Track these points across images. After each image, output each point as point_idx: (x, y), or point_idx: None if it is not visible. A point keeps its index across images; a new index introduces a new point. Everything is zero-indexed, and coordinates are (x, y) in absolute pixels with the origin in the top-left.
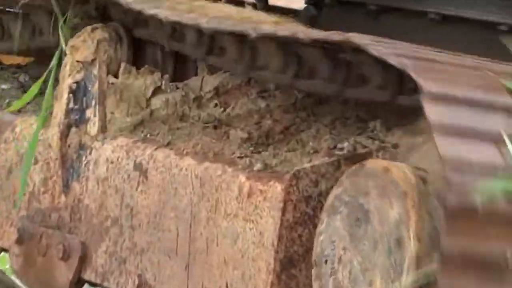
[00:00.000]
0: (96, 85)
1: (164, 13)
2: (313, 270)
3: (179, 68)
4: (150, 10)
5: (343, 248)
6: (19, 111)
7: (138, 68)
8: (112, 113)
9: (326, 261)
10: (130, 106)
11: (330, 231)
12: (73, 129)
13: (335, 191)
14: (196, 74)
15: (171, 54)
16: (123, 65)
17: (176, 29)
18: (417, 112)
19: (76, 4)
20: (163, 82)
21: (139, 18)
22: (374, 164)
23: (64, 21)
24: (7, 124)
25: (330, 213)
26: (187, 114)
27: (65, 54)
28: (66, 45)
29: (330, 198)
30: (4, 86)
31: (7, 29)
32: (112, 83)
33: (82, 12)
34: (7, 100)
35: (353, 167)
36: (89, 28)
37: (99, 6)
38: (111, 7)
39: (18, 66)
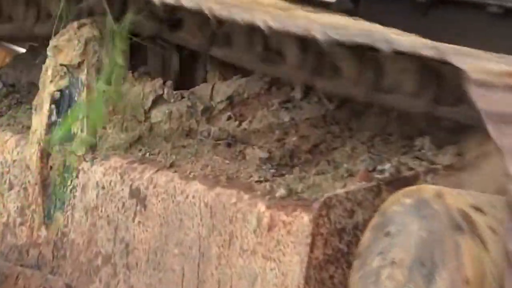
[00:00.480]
0: (84, 94)
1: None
2: None
3: (185, 73)
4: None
5: None
6: None
7: (134, 73)
8: (104, 128)
9: None
10: (125, 119)
11: None
12: (56, 147)
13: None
14: (205, 80)
15: (175, 55)
16: (116, 69)
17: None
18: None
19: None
20: (165, 90)
21: None
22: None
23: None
24: None
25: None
26: (194, 129)
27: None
28: (121, 58)
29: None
30: None
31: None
32: (104, 91)
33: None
34: None
35: (397, 194)
36: (75, 24)
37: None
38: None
39: None
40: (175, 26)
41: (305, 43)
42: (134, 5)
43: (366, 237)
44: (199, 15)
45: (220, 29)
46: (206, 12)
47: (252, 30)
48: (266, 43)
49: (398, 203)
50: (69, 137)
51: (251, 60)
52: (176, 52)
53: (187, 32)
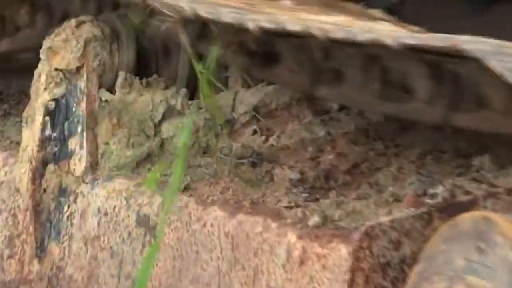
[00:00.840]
0: (83, 104)
1: None
2: None
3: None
4: None
5: None
6: None
7: (143, 79)
8: (107, 143)
9: None
10: (132, 133)
11: None
12: (51, 167)
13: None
14: (226, 87)
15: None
16: (122, 74)
17: None
18: None
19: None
20: (179, 100)
21: None
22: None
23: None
24: None
25: None
26: (213, 146)
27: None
28: (206, 98)
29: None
30: None
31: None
32: (106, 101)
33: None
34: None
35: (451, 222)
36: (72, 22)
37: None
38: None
39: None
40: (269, 61)
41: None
42: (219, 35)
43: (415, 272)
44: (299, 47)
45: (326, 63)
46: (317, 34)
47: (369, 59)
48: (384, 76)
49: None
50: (66, 154)
51: (366, 100)
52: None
53: (285, 67)
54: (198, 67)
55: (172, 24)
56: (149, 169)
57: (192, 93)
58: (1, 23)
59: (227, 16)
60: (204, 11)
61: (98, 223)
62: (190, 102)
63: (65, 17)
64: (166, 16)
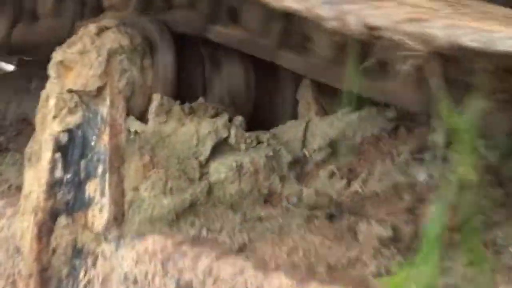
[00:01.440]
0: (106, 136)
1: None
2: None
3: (263, 103)
4: None
5: None
6: None
7: (185, 103)
8: (136, 189)
9: None
10: (170, 175)
11: None
12: (62, 220)
13: None
14: (294, 115)
15: (247, 72)
16: (157, 97)
17: None
18: None
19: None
20: (233, 131)
21: None
22: None
23: None
24: None
25: None
26: (277, 192)
27: (54, 77)
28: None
29: None
30: None
31: None
32: (136, 133)
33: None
34: None
35: None
36: (92, 27)
37: None
38: None
39: None
40: None
41: None
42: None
43: None
44: None
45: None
46: None
47: None
48: None
49: None
50: (82, 203)
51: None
52: (248, 67)
53: None
54: (455, 122)
55: (418, 61)
56: (193, 224)
57: (250, 120)
58: (18, 5)
59: (506, 44)
60: (468, 39)
61: None
62: (247, 134)
63: (100, 9)
64: (406, 50)
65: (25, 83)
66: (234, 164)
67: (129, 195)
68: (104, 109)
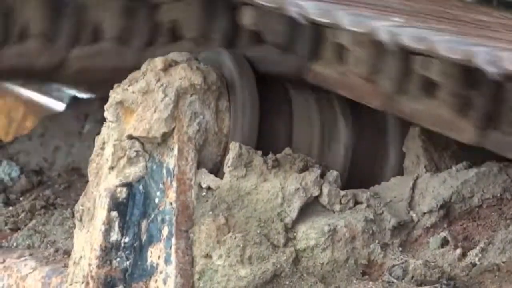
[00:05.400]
0: (172, 193)
1: None
2: None
3: (360, 154)
4: None
5: None
6: None
7: (268, 154)
8: (208, 256)
9: None
10: (249, 241)
11: None
12: None
13: None
14: (400, 171)
15: (347, 121)
16: (234, 147)
17: None
18: None
19: None
20: (325, 189)
21: None
22: None
23: None
24: None
25: None
26: (377, 263)
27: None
28: None
29: None
30: None
31: None
32: (210, 189)
33: None
34: None
35: None
36: (158, 62)
37: None
38: None
39: None
40: None
41: None
42: None
43: None
44: None
45: None
46: None
47: None
48: None
49: None
50: (143, 272)
51: None
52: (345, 113)
53: None
54: None
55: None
56: None
57: (347, 175)
58: (79, 25)
59: None
60: None
61: None
62: (342, 192)
63: (177, 36)
64: None
65: (76, 125)
66: (326, 228)
67: (199, 264)
68: (170, 160)
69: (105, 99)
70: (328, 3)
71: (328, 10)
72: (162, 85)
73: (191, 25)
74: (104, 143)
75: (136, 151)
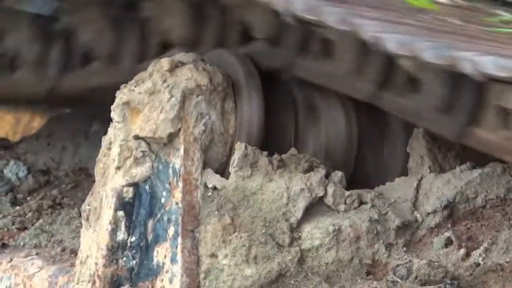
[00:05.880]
0: (178, 193)
1: None
2: None
3: (365, 154)
4: None
5: None
6: (3, 244)
7: (273, 154)
8: (214, 256)
9: None
10: (254, 240)
11: None
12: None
13: None
14: (404, 171)
15: (352, 121)
16: (240, 147)
17: None
18: None
19: None
20: (330, 189)
21: None
22: None
23: None
24: None
25: None
26: (382, 263)
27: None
28: None
29: None
30: None
31: None
32: (216, 189)
33: None
34: None
35: None
36: (164, 62)
37: None
38: None
39: (2, 145)
40: None
41: None
42: None
43: None
44: None
45: None
46: None
47: None
48: None
49: None
50: (150, 272)
51: None
52: (350, 113)
53: None
54: None
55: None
56: None
57: (351, 176)
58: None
59: None
60: None
61: None
62: (347, 192)
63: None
64: None
65: (83, 126)
66: (331, 228)
67: (205, 263)
68: (176, 160)
69: (112, 99)
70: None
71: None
72: (168, 85)
73: None
74: (110, 143)
75: (143, 151)
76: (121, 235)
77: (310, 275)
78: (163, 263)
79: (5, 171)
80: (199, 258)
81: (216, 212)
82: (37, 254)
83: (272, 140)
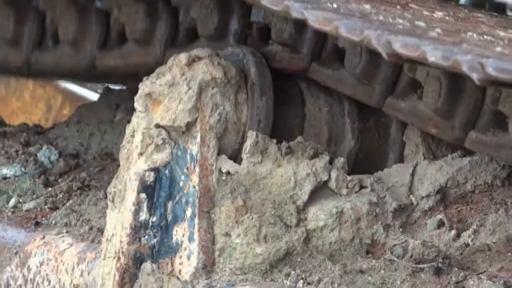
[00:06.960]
0: (195, 177)
1: None
2: None
3: (366, 143)
4: None
5: None
6: (36, 223)
7: (282, 142)
8: (228, 235)
9: None
10: (264, 221)
11: None
12: (147, 266)
13: None
14: (401, 158)
15: (353, 111)
16: (251, 136)
17: None
18: None
19: None
20: (334, 174)
21: None
22: None
23: None
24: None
25: None
26: (380, 243)
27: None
28: None
29: None
30: (7, 171)
31: None
32: (229, 174)
33: None
34: (13, 199)
35: None
36: (182, 57)
37: None
38: None
39: (35, 131)
40: None
41: None
42: None
43: None
44: None
45: None
46: None
47: None
48: None
49: None
50: (169, 249)
51: None
52: (352, 104)
53: None
54: None
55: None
56: (288, 275)
57: (353, 162)
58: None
59: None
60: None
61: None
62: (349, 177)
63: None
64: None
65: (109, 114)
66: (334, 210)
67: (219, 242)
68: (194, 147)
69: (136, 90)
70: None
71: None
72: (186, 78)
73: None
74: (134, 131)
75: (163, 139)
76: (143, 216)
77: (315, 254)
78: (182, 241)
79: (38, 155)
80: (214, 237)
81: (230, 195)
82: (67, 232)
83: (280, 129)
